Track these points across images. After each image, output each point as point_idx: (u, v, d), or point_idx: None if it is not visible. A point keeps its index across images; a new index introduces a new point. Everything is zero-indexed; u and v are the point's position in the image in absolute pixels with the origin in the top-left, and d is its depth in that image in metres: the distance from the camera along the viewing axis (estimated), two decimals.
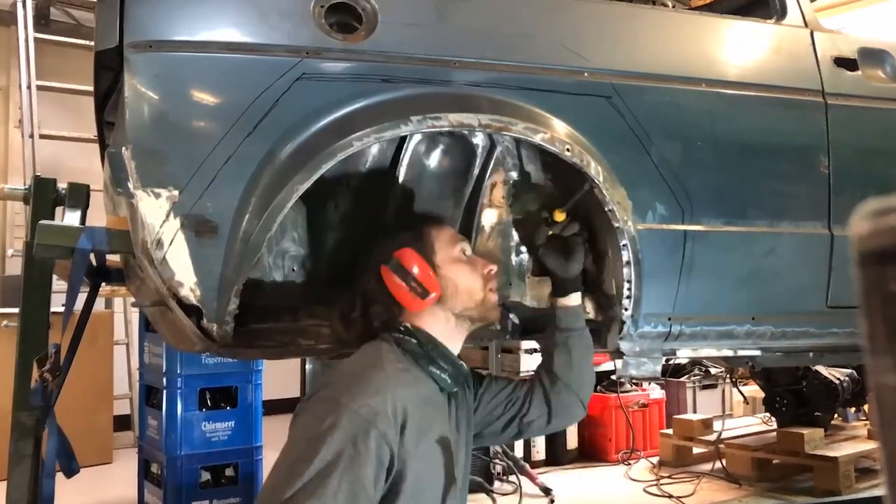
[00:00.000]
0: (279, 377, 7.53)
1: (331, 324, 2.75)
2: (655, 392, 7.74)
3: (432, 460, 2.39)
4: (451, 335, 2.63)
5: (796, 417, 6.59)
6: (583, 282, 3.12)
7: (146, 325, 5.76)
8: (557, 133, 2.89)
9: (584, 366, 2.96)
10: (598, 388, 7.53)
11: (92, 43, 2.72)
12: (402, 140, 2.97)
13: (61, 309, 3.10)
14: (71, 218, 3.32)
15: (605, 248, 3.12)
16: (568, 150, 2.85)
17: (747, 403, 8.02)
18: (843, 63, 3.70)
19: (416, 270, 2.56)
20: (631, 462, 7.15)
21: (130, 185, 2.50)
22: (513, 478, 6.27)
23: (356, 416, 2.19)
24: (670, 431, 7.08)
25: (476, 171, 3.14)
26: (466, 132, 2.98)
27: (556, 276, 3.02)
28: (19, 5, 7.69)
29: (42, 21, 8.65)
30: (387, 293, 2.57)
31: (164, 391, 5.31)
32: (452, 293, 2.60)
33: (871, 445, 6.38)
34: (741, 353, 3.65)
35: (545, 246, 3.03)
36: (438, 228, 2.73)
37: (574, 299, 2.99)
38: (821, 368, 6.52)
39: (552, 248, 3.02)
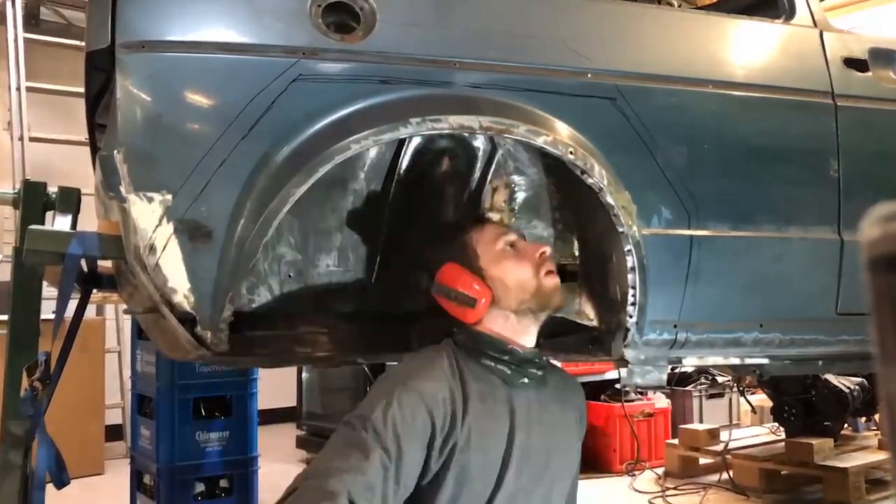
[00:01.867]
0: (275, 386, 7.51)
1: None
2: (661, 401, 7.74)
3: (483, 454, 2.49)
4: (516, 330, 2.68)
5: (805, 427, 6.59)
6: (587, 287, 3.13)
7: (138, 333, 5.75)
8: (560, 136, 2.88)
9: None
10: (603, 397, 7.54)
11: (83, 43, 2.72)
12: (402, 143, 2.97)
13: (51, 316, 3.09)
14: (61, 223, 3.31)
15: (608, 254, 3.12)
16: (571, 153, 2.85)
17: (755, 413, 8.02)
18: (854, 64, 3.69)
19: (458, 286, 2.65)
20: (636, 473, 7.15)
21: (122, 189, 2.50)
22: None
23: (411, 393, 2.40)
24: (676, 442, 7.08)
25: (477, 174, 3.14)
26: (467, 135, 2.98)
27: None
28: (8, 4, 7.70)
29: (32, 21, 8.66)
30: (443, 311, 2.71)
31: (157, 400, 5.30)
32: (504, 292, 2.65)
33: (882, 456, 6.38)
34: (749, 361, 3.65)
35: None
36: (479, 229, 2.77)
37: None
38: (830, 377, 6.52)
39: None
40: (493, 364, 2.61)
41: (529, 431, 2.61)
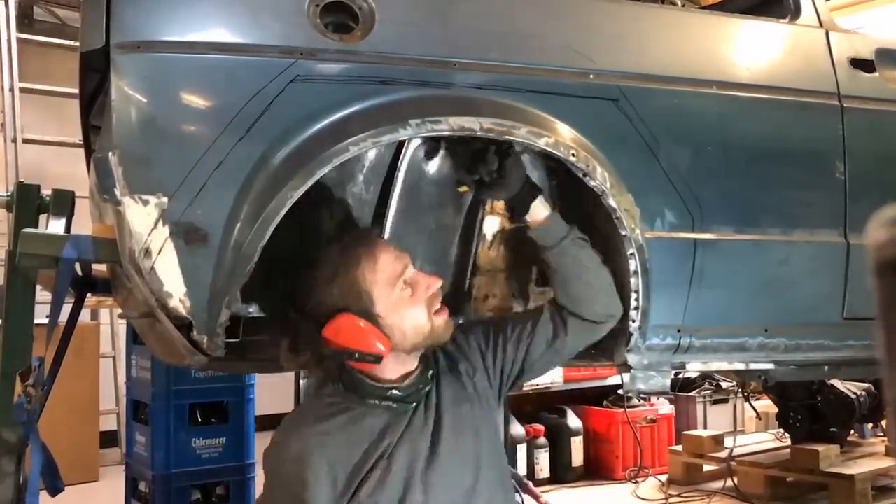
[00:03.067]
0: (272, 392, 7.50)
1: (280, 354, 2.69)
2: (664, 407, 7.73)
3: (388, 488, 2.46)
4: (402, 366, 2.61)
5: (811, 433, 6.59)
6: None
7: (133, 338, 5.74)
8: (562, 137, 2.88)
9: (576, 279, 2.85)
10: (605, 402, 7.54)
11: (77, 43, 2.72)
12: (401, 144, 2.97)
13: (45, 320, 3.09)
14: (55, 226, 3.31)
15: (611, 257, 3.12)
16: (573, 155, 2.85)
17: (760, 419, 8.02)
18: (860, 64, 3.70)
19: (359, 346, 2.50)
20: (639, 480, 7.14)
21: (117, 192, 2.50)
22: (516, 496, 6.25)
23: (280, 487, 2.47)
24: (680, 448, 7.08)
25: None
26: (467, 136, 2.98)
27: (506, 198, 2.94)
28: (1, 4, 7.69)
29: (25, 21, 8.67)
30: (336, 358, 2.56)
31: (153, 406, 5.30)
32: (400, 338, 2.53)
33: (888, 462, 6.39)
34: (753, 366, 3.65)
35: (477, 183, 2.92)
36: (370, 263, 2.55)
37: (537, 213, 2.85)
38: (836, 382, 6.52)
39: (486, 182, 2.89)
40: (377, 402, 2.56)
41: (424, 445, 2.56)
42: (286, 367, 2.72)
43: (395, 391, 2.57)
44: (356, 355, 2.49)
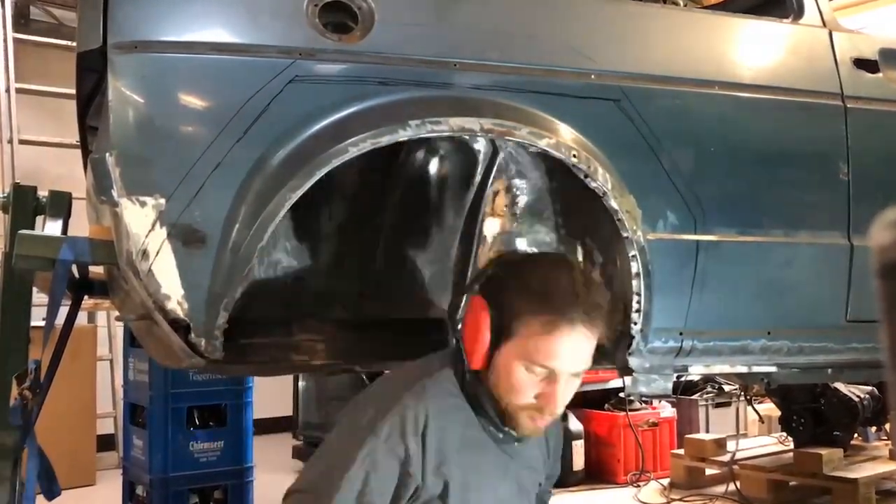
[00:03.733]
0: (271, 395, 7.50)
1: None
2: (666, 410, 7.72)
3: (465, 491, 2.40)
4: (496, 400, 2.42)
5: (814, 437, 6.58)
6: None
7: (131, 340, 5.74)
8: (563, 138, 2.88)
9: None
10: (606, 406, 7.53)
11: (74, 43, 2.72)
12: (401, 145, 2.97)
13: (42, 323, 3.09)
14: (52, 227, 3.31)
15: (612, 259, 3.12)
16: (574, 156, 2.85)
17: (762, 422, 8.00)
18: (864, 64, 3.69)
19: (470, 332, 2.40)
20: (640, 484, 7.13)
21: (115, 193, 2.50)
22: None
23: (382, 447, 2.30)
24: (682, 452, 7.07)
25: (478, 178, 3.14)
26: (467, 137, 2.98)
27: None
28: None
29: (21, 20, 8.65)
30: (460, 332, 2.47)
31: (150, 409, 5.29)
32: (493, 383, 2.39)
33: (892, 466, 6.38)
34: (756, 369, 3.65)
35: None
36: (549, 337, 2.32)
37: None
38: (840, 386, 6.51)
39: None
40: (483, 420, 2.46)
41: (504, 484, 2.55)
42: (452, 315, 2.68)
43: (496, 417, 2.45)
44: (457, 333, 2.47)
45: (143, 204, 2.50)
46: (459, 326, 2.48)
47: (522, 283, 2.37)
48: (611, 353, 3.19)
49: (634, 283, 3.02)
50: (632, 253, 2.99)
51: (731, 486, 6.46)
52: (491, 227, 3.22)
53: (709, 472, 6.91)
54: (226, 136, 2.57)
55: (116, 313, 5.72)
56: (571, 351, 2.35)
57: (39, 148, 7.88)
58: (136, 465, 5.54)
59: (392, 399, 2.37)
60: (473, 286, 2.48)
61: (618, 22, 3.34)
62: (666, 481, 7.04)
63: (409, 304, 3.21)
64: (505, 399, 2.39)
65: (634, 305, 3.04)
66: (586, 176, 2.87)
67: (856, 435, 7.07)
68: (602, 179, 2.89)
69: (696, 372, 3.65)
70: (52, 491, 3.38)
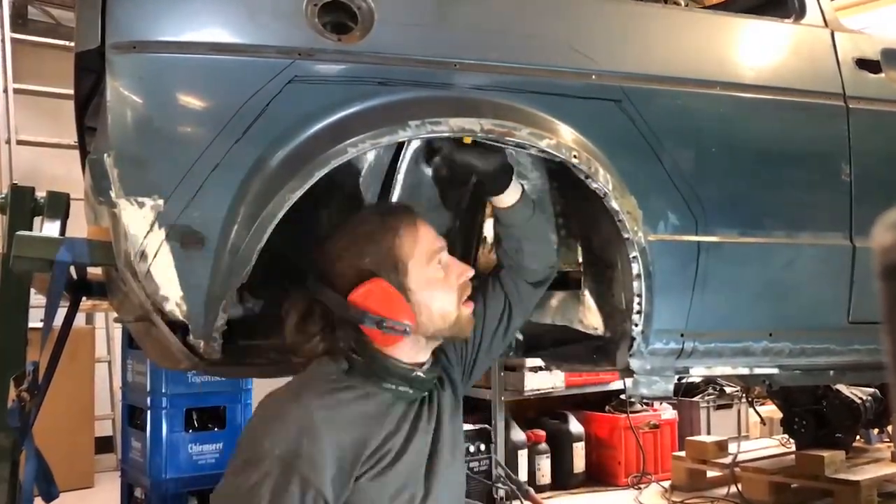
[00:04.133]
0: None
1: (283, 333, 2.53)
2: (667, 412, 7.72)
3: (391, 476, 2.35)
4: (417, 353, 2.51)
5: (816, 439, 6.58)
6: (591, 295, 3.13)
7: (129, 342, 5.75)
8: (564, 139, 2.88)
9: (532, 243, 2.88)
10: (607, 408, 7.53)
11: (72, 43, 2.72)
12: (400, 146, 2.96)
13: (40, 325, 3.09)
14: (50, 228, 3.31)
15: (613, 261, 3.12)
16: (575, 156, 2.85)
17: (764, 424, 8.00)
18: (866, 65, 3.69)
19: (389, 313, 2.40)
20: (641, 486, 7.13)
21: (113, 194, 2.50)
22: (516, 503, 6.25)
23: (278, 463, 2.19)
24: (683, 454, 7.06)
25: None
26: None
27: (479, 174, 2.86)
28: None
29: (19, 20, 8.65)
30: (354, 326, 2.43)
31: (149, 411, 5.30)
32: (426, 319, 2.46)
33: (894, 468, 6.37)
34: (758, 371, 3.65)
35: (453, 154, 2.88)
36: (410, 234, 2.49)
37: (510, 195, 2.82)
38: (842, 387, 6.51)
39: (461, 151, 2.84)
40: (393, 387, 2.44)
41: (435, 439, 2.54)
42: (290, 344, 2.51)
43: (419, 374, 2.48)
44: (384, 323, 2.38)
45: (141, 205, 2.50)
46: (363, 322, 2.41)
47: (361, 240, 2.48)
48: (612, 354, 3.19)
49: (635, 284, 3.03)
50: (633, 254, 2.99)
51: (733, 489, 6.46)
52: (491, 228, 3.21)
53: (710, 474, 6.91)
54: (224, 136, 2.57)
55: (115, 315, 5.71)
56: (429, 229, 2.56)
57: (37, 148, 7.88)
58: (134, 468, 5.55)
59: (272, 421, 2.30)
60: (336, 287, 2.45)
61: (618, 22, 3.33)
62: (667, 484, 7.04)
63: None
64: (445, 310, 2.49)
65: (635, 307, 3.04)
66: (587, 177, 2.87)
67: (858, 437, 7.08)
68: (603, 180, 2.89)
69: (697, 374, 3.65)
70: (50, 493, 3.38)
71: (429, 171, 3.08)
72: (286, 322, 2.49)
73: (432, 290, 2.47)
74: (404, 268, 2.44)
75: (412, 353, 2.49)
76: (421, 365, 2.51)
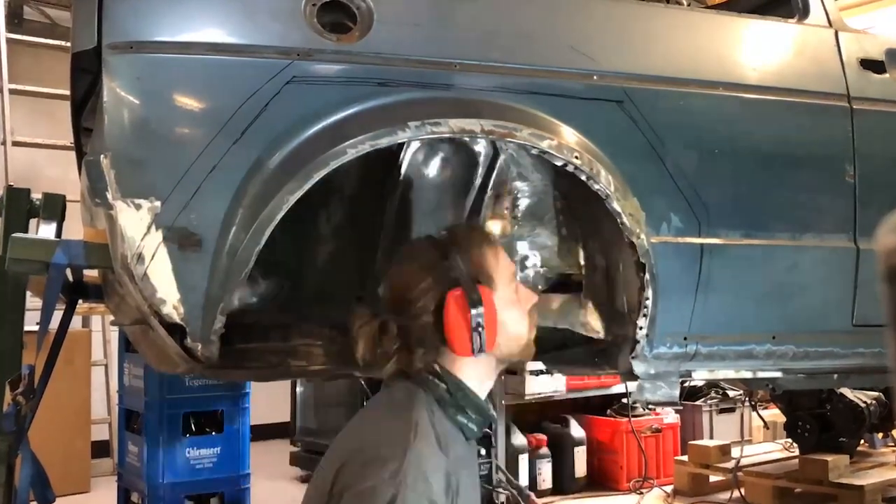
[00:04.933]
0: (268, 401, 7.50)
1: (343, 346, 2.50)
2: (669, 416, 7.72)
3: None
4: (486, 378, 2.35)
5: (820, 443, 6.58)
6: (592, 298, 3.14)
7: (126, 345, 5.74)
8: (565, 140, 2.88)
9: None
10: (609, 412, 7.53)
11: (68, 44, 2.73)
12: (400, 147, 2.96)
13: (35, 328, 3.09)
14: (46, 230, 3.31)
15: (615, 263, 3.12)
16: (576, 157, 2.84)
17: (767, 428, 8.00)
18: (870, 65, 3.69)
19: (485, 318, 2.24)
20: (643, 491, 7.13)
21: (109, 196, 2.50)
22: None
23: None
24: (685, 458, 7.06)
25: (478, 180, 3.14)
26: (468, 139, 2.98)
27: None
28: None
29: (15, 20, 8.65)
30: (441, 335, 2.25)
31: (146, 415, 5.30)
32: (504, 340, 2.32)
33: None
34: (761, 374, 3.64)
35: None
36: (492, 250, 2.39)
37: None
38: (846, 391, 6.51)
39: None
40: (465, 422, 2.27)
41: (475, 478, 2.44)
42: (360, 365, 2.37)
43: (487, 409, 2.35)
44: (477, 324, 2.22)
45: (138, 207, 2.50)
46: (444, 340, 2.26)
47: (454, 249, 2.34)
48: (614, 358, 3.19)
49: (638, 287, 3.02)
50: (635, 256, 2.99)
51: (736, 494, 6.46)
52: (492, 230, 3.20)
53: (713, 478, 6.91)
54: (222, 137, 2.57)
55: (111, 318, 5.71)
56: (503, 249, 2.45)
57: (33, 150, 7.88)
58: (131, 472, 5.54)
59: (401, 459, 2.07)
60: (442, 283, 2.29)
61: (620, 22, 3.33)
62: (669, 488, 7.05)
63: None
64: (519, 334, 2.38)
65: (642, 310, 3.03)
66: (589, 178, 2.87)
67: (862, 441, 7.07)
68: (605, 182, 2.89)
69: (700, 377, 3.65)
70: (45, 498, 3.37)
71: (430, 173, 3.08)
72: (357, 342, 2.32)
73: (511, 309, 2.35)
74: (490, 278, 2.33)
75: (483, 377, 2.34)
76: (487, 401, 2.37)
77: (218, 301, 2.55)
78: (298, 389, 8.11)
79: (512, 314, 2.35)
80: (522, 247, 3.29)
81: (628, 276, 3.05)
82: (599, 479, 7.33)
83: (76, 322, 6.87)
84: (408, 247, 2.49)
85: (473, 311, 2.23)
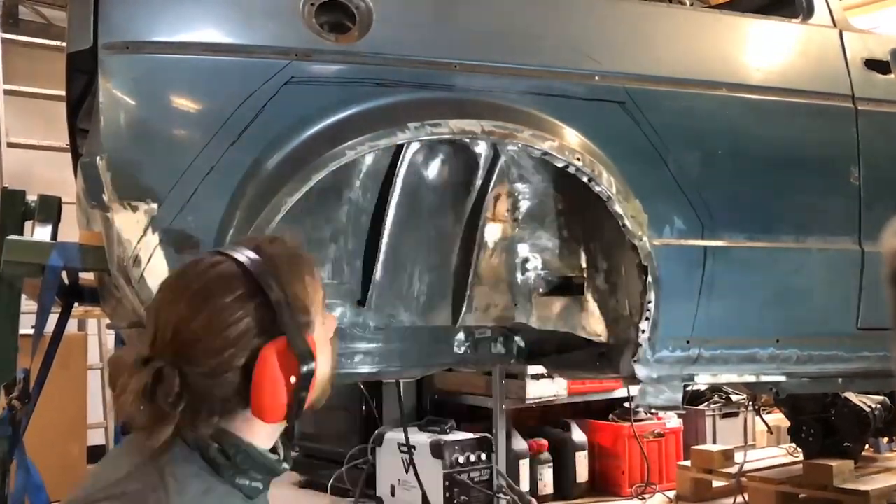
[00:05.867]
0: None
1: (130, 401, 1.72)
2: (672, 421, 7.70)
3: None
4: (273, 434, 1.87)
5: (824, 448, 6.56)
6: (594, 301, 3.14)
7: None
8: (567, 141, 2.88)
9: None
10: (611, 416, 7.52)
11: (64, 44, 2.72)
12: (399, 149, 2.96)
13: (31, 331, 3.09)
14: (41, 233, 3.31)
15: (617, 266, 3.11)
16: (578, 159, 2.85)
17: (771, 433, 7.99)
18: (875, 65, 3.69)
19: (294, 373, 1.77)
20: (646, 496, 7.13)
21: (105, 198, 2.50)
22: None
23: None
24: (688, 463, 7.05)
25: (478, 182, 3.13)
26: (468, 140, 2.97)
27: None
28: None
29: (10, 20, 8.65)
30: (245, 397, 1.75)
31: None
32: (316, 381, 1.83)
33: None
34: (764, 378, 3.64)
35: None
36: (314, 283, 1.89)
37: None
38: (850, 395, 6.50)
39: None
40: (247, 482, 1.81)
41: None
42: (131, 422, 1.73)
43: (284, 465, 1.91)
44: (298, 392, 1.77)
45: (134, 209, 2.50)
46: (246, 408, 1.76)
47: (283, 273, 1.81)
48: (615, 361, 3.19)
49: (641, 290, 3.02)
50: (637, 259, 2.99)
51: (739, 499, 6.45)
52: (492, 232, 3.20)
53: (716, 484, 6.90)
54: (220, 139, 2.57)
55: (107, 321, 5.71)
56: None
57: (28, 151, 7.88)
58: None
59: None
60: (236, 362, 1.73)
61: (622, 22, 3.34)
62: (672, 494, 7.03)
63: (407, 312, 3.20)
64: (327, 375, 1.88)
65: (645, 314, 3.03)
66: (590, 180, 2.87)
67: (867, 446, 7.07)
68: (607, 183, 2.89)
69: (702, 381, 3.65)
70: (41, 503, 3.37)
71: (429, 174, 3.08)
72: (123, 395, 1.68)
73: (324, 350, 1.88)
74: (311, 323, 1.84)
75: (274, 432, 1.88)
76: (274, 450, 1.91)
77: None
78: None
79: (325, 356, 1.87)
80: (523, 249, 3.28)
81: (630, 279, 3.05)
82: (601, 485, 7.32)
83: (72, 325, 6.88)
84: (198, 267, 1.81)
85: (304, 370, 1.76)
